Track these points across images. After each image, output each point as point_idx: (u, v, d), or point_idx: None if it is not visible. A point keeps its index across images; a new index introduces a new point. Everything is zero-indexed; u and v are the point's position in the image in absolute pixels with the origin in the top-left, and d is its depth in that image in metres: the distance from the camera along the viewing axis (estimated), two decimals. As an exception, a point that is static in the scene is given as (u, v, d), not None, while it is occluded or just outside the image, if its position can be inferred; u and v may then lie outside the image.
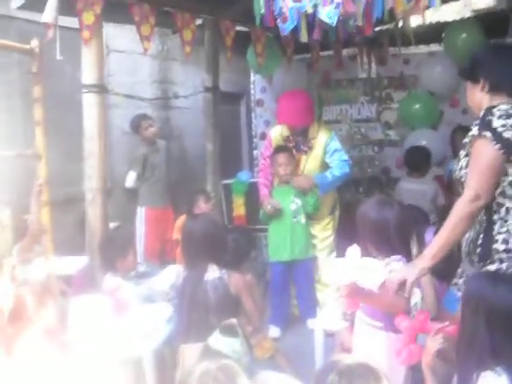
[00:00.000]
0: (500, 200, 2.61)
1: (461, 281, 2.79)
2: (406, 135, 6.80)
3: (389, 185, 6.90)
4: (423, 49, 6.75)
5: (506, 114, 2.57)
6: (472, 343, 2.11)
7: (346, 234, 4.57)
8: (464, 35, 6.05)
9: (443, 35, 6.30)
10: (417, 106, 6.65)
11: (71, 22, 4.20)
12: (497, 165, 2.54)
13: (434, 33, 6.31)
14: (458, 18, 7.22)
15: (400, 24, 5.45)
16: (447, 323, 2.45)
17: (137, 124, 6.00)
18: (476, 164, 2.59)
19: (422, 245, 3.64)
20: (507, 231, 2.58)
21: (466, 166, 2.66)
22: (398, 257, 2.80)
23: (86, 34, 4.00)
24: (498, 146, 2.51)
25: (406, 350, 2.56)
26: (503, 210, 2.61)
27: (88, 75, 4.13)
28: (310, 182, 4.91)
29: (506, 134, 2.52)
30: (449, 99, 6.73)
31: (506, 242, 2.57)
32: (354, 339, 3.01)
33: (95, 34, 4.08)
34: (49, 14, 3.75)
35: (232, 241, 4.05)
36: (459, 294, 2.72)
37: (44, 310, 2.61)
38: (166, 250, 5.86)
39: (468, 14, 7.68)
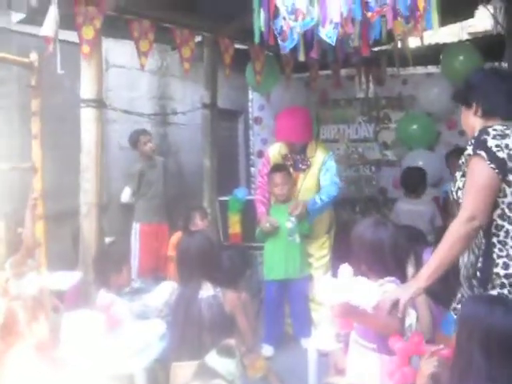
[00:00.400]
0: (499, 222, 2.58)
1: (459, 306, 2.76)
2: (404, 155, 6.82)
3: (386, 205, 6.90)
4: (421, 70, 6.79)
5: (500, 134, 2.57)
6: (467, 367, 2.08)
7: (342, 253, 4.55)
8: (461, 57, 6.09)
9: (441, 57, 6.34)
10: (414, 126, 6.68)
11: (70, 35, 4.21)
12: (493, 184, 2.52)
13: (431, 54, 6.35)
14: (455, 40, 7.29)
15: (399, 45, 5.49)
16: (442, 346, 2.43)
17: (135, 139, 5.99)
18: (471, 184, 2.57)
19: (419, 265, 3.62)
20: (507, 255, 2.55)
21: (463, 187, 2.65)
22: (392, 278, 2.78)
23: (85, 48, 4.01)
24: (492, 165, 2.51)
25: (399, 372, 2.53)
26: (502, 232, 2.58)
27: (87, 90, 4.14)
28: (304, 209, 4.87)
29: (501, 154, 2.51)
30: (446, 120, 6.75)
31: (506, 266, 2.54)
32: (347, 360, 2.99)
33: (95, 49, 4.09)
34: (48, 27, 3.75)
35: (227, 259, 4.04)
36: None
37: (36, 325, 2.59)
38: (161, 267, 5.83)
39: (465, 37, 7.75)
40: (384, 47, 6.33)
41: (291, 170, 5.07)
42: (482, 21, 9.22)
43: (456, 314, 2.75)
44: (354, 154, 7.18)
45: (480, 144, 2.56)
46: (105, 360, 3.18)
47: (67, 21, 3.95)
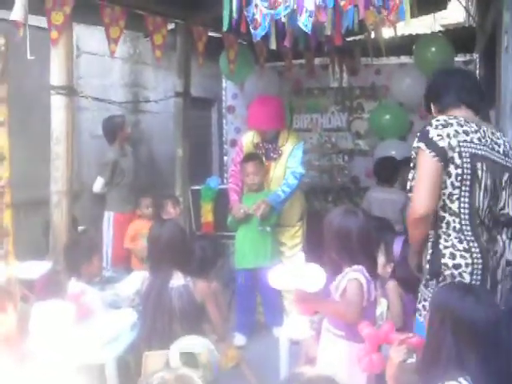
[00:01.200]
0: (441, 213, 2.64)
1: (420, 306, 2.79)
2: (376, 145, 6.85)
3: (358, 194, 6.94)
4: (394, 60, 6.81)
5: (443, 123, 2.61)
6: (438, 353, 2.11)
7: (315, 242, 4.56)
8: (433, 48, 6.14)
9: (414, 47, 6.37)
10: (387, 116, 6.70)
11: (40, 21, 4.13)
12: (435, 173, 2.57)
13: (405, 45, 6.39)
14: (428, 31, 7.34)
15: (372, 35, 5.51)
16: (411, 334, 2.45)
17: (119, 124, 5.86)
18: (418, 175, 2.63)
19: (390, 255, 3.66)
20: (452, 245, 2.61)
21: (413, 179, 2.71)
22: (359, 267, 2.81)
23: (54, 33, 3.93)
24: (432, 153, 2.55)
25: (367, 357, 2.55)
26: (444, 223, 2.64)
27: (56, 76, 4.07)
28: (267, 208, 4.85)
29: (441, 143, 2.55)
30: (418, 110, 6.79)
31: (453, 256, 2.60)
32: (318, 348, 3.01)
33: (64, 35, 4.02)
34: (18, 12, 3.67)
35: (199, 249, 4.03)
36: (421, 319, 2.74)
37: (4, 315, 2.56)
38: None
39: (438, 29, 7.82)
40: (358, 37, 6.35)
41: (263, 158, 5.07)
42: (455, 13, 9.30)
43: (419, 315, 2.79)
44: (326, 144, 7.20)
45: (422, 135, 2.62)
46: (75, 350, 3.16)
47: (37, 5, 3.87)
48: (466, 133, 2.61)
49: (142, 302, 3.40)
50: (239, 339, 4.83)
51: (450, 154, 2.56)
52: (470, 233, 2.60)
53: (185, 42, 5.85)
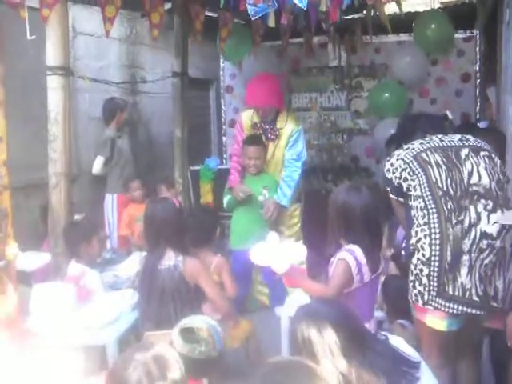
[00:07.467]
0: (410, 203, 2.89)
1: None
2: (376, 124, 6.82)
3: (357, 173, 6.92)
4: (393, 38, 6.75)
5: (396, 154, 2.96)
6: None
7: (313, 221, 4.54)
8: (433, 26, 6.08)
9: (413, 25, 6.31)
10: (386, 95, 6.66)
11: (36, 1, 4.07)
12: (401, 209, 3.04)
13: (404, 22, 6.32)
14: (427, 8, 7.27)
15: (372, 13, 5.44)
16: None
17: (115, 111, 5.83)
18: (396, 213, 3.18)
19: (392, 238, 3.65)
20: (417, 224, 2.78)
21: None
22: (353, 247, 2.81)
23: (45, 11, 3.85)
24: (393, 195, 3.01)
25: None
26: (414, 210, 2.85)
27: (53, 57, 4.01)
28: (277, 209, 4.88)
29: (389, 175, 2.95)
30: (418, 89, 6.76)
31: (416, 233, 2.77)
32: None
33: (59, 14, 3.95)
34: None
35: (197, 220, 4.01)
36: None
37: (3, 297, 2.55)
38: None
39: (437, 6, 7.74)
40: (357, 15, 6.29)
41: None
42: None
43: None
44: (326, 123, 7.15)
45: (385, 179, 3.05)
46: (76, 331, 3.16)
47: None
48: (409, 147, 2.91)
49: (138, 283, 3.38)
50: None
51: (396, 172, 2.88)
52: (432, 205, 2.73)
53: (182, 22, 5.78)
